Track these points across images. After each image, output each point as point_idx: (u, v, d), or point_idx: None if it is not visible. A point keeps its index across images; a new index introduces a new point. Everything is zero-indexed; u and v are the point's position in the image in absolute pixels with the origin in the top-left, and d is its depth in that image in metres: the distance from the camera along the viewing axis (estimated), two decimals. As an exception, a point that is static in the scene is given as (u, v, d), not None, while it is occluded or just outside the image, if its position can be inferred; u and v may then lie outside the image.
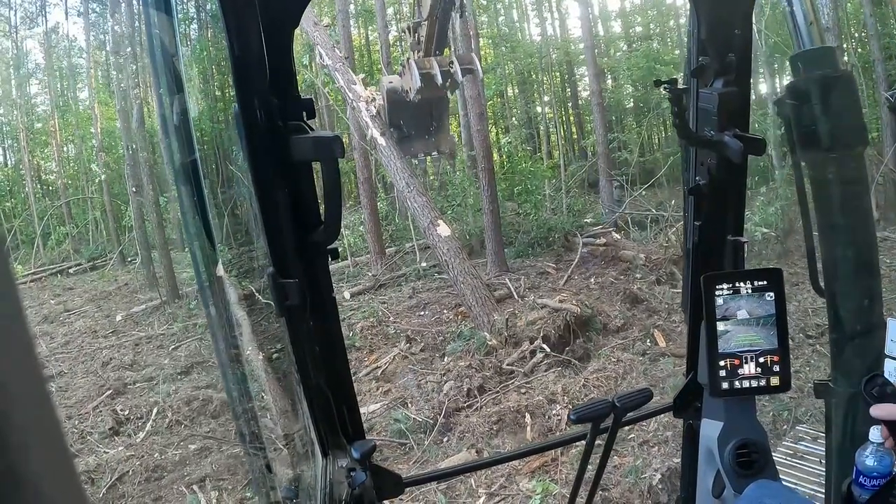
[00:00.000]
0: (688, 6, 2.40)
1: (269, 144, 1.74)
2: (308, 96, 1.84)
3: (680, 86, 2.31)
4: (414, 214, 13.34)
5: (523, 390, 9.34)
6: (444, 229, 12.46)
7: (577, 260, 14.91)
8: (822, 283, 2.58)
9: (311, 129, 1.81)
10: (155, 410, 10.07)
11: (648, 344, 10.56)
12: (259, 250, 2.02)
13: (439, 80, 8.62)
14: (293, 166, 1.80)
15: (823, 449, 5.98)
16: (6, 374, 0.39)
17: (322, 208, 1.88)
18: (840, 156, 2.45)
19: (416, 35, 9.57)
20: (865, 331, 2.51)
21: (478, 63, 9.48)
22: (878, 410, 1.91)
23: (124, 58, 18.99)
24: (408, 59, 9.89)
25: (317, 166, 1.84)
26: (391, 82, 10.72)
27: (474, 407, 9.16)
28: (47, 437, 0.43)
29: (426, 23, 9.14)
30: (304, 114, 1.81)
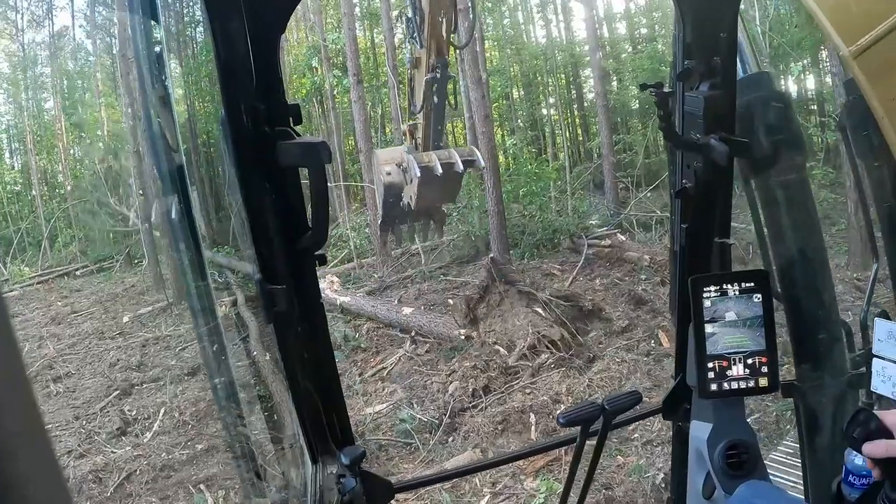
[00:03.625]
0: None
1: (256, 150, 1.76)
2: (295, 101, 1.87)
3: (666, 89, 2.34)
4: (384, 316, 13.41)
5: (528, 390, 9.35)
6: (407, 309, 13.01)
7: (581, 261, 14.92)
8: (778, 289, 2.63)
9: (298, 135, 1.82)
10: (162, 411, 10.12)
11: (653, 344, 10.57)
12: (247, 257, 2.04)
13: (439, 170, 8.47)
14: (280, 172, 1.82)
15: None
16: None
17: (310, 214, 1.88)
18: (783, 168, 2.56)
19: (415, 138, 9.49)
20: (826, 331, 2.59)
21: (478, 154, 9.30)
22: (870, 448, 1.86)
23: (130, 61, 19.08)
24: (406, 151, 9.76)
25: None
26: (389, 173, 10.28)
27: (479, 407, 9.19)
28: (34, 443, 0.45)
29: (422, 122, 9.10)
30: (291, 119, 1.82)
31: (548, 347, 10.22)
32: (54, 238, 23.18)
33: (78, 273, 21.35)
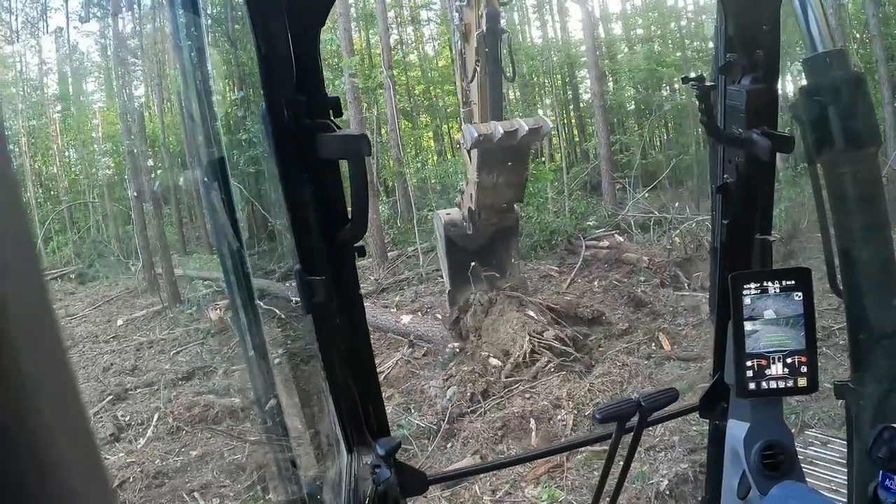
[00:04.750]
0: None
1: (297, 142, 1.76)
2: (335, 95, 1.85)
3: (707, 83, 2.31)
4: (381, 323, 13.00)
5: (528, 395, 9.26)
6: (405, 317, 12.58)
7: (579, 263, 14.85)
8: (839, 285, 2.53)
9: (338, 128, 1.82)
10: (156, 416, 10.02)
11: (653, 347, 10.52)
12: (286, 248, 2.05)
13: (499, 133, 7.69)
14: (320, 164, 1.82)
15: (833, 453, 5.95)
16: (37, 371, 0.40)
17: (349, 206, 1.90)
18: (855, 156, 2.42)
19: (471, 119, 8.75)
20: (884, 330, 2.47)
21: (546, 120, 8.46)
22: None
23: (127, 62, 18.97)
24: (461, 124, 9.22)
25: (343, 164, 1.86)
26: (448, 213, 9.58)
27: (478, 412, 9.09)
28: (73, 431, 0.45)
29: (477, 95, 8.42)
30: (331, 112, 1.82)
31: (547, 349, 10.09)
32: (48, 240, 23.10)
33: (72, 276, 21.26)
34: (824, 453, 6.21)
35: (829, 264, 2.50)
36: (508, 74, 8.59)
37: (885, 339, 2.44)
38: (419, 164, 26.91)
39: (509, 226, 10.29)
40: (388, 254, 17.94)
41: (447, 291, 10.13)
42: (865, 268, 2.48)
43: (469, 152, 9.03)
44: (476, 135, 7.54)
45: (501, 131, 7.51)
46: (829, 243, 2.51)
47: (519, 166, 8.46)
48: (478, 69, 8.09)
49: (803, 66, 2.49)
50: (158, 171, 17.86)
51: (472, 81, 8.30)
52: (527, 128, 7.64)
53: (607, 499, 2.84)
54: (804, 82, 2.55)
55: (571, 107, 31.51)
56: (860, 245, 2.48)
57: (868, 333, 2.48)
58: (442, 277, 14.91)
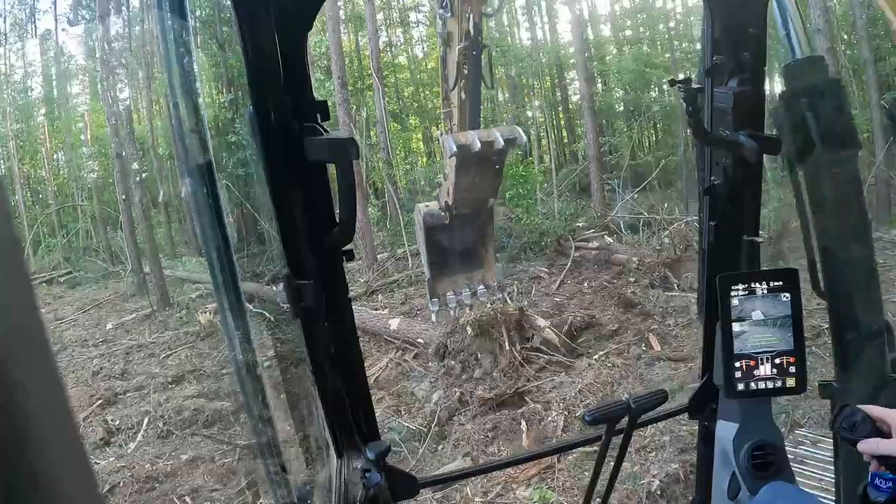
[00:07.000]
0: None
1: (284, 146, 1.76)
2: (322, 98, 1.85)
3: (694, 85, 2.32)
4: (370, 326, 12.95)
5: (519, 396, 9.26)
6: (393, 322, 12.45)
7: (569, 264, 14.85)
8: (822, 286, 2.57)
9: (326, 131, 1.81)
10: (146, 420, 9.97)
11: (643, 348, 10.52)
12: (274, 252, 2.06)
13: (477, 146, 7.83)
14: (308, 167, 1.81)
15: (823, 452, 5.98)
16: (26, 377, 0.40)
17: (337, 209, 1.90)
18: (834, 159, 2.47)
19: (451, 126, 8.84)
20: (867, 330, 2.51)
21: (520, 131, 8.50)
22: (865, 446, 1.88)
23: (116, 65, 18.90)
24: (440, 135, 9.28)
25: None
26: (427, 206, 9.59)
27: (469, 414, 9.08)
28: (64, 439, 0.45)
29: (456, 103, 8.57)
30: (319, 115, 1.82)
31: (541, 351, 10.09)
32: (37, 244, 22.98)
33: (61, 280, 21.14)
34: (814, 452, 6.22)
35: (812, 266, 2.54)
36: (488, 83, 8.76)
37: (868, 338, 2.47)
38: (408, 166, 26.91)
39: (484, 218, 10.30)
40: (378, 256, 17.89)
41: (426, 280, 10.02)
42: (847, 269, 2.51)
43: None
44: (454, 148, 7.64)
45: (479, 144, 7.62)
46: (811, 246, 2.53)
47: (495, 170, 8.59)
48: (459, 78, 8.19)
49: (783, 73, 2.53)
50: (145, 175, 17.75)
51: (452, 89, 8.37)
52: (502, 141, 7.76)
53: (598, 500, 2.84)
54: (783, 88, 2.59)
55: (560, 108, 31.54)
56: (841, 246, 2.51)
57: (852, 333, 2.51)
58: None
